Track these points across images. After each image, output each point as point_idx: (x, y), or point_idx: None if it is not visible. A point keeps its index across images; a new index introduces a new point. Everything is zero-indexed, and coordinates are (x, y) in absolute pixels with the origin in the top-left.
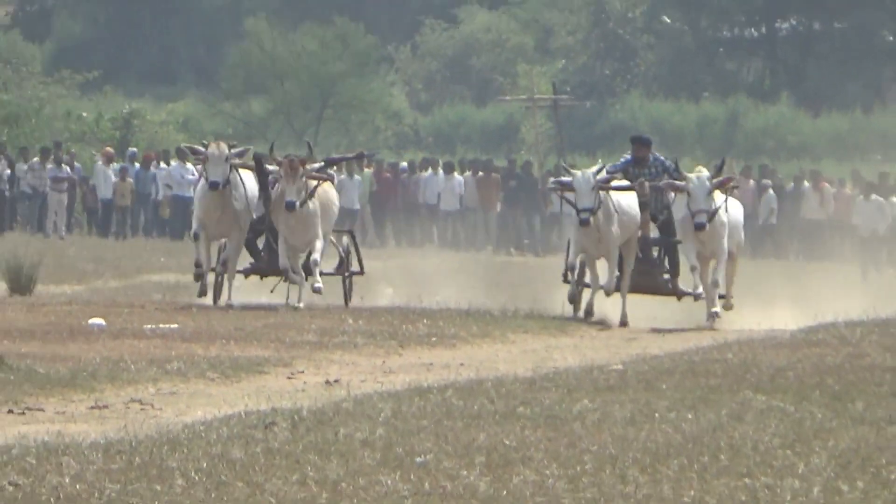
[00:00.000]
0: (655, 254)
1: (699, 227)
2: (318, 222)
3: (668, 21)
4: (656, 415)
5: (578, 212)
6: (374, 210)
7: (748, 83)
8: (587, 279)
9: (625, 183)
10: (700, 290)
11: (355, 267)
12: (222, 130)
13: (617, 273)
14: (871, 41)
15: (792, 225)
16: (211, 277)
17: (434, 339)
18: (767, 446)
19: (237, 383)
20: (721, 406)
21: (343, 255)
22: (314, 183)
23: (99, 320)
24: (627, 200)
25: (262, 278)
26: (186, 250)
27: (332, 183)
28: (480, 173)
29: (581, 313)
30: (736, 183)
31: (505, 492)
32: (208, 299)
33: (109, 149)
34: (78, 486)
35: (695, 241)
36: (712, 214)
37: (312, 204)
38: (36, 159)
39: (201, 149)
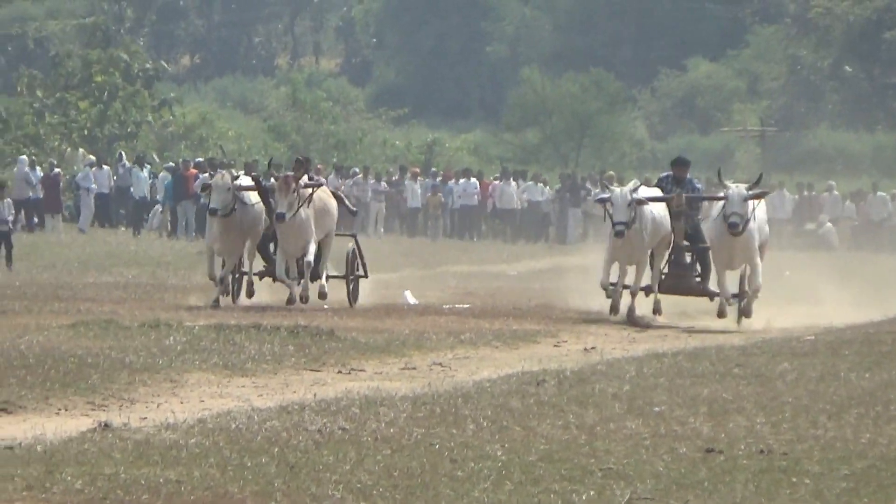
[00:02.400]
0: (688, 259)
1: (732, 227)
2: (310, 228)
3: (849, 69)
4: (840, 374)
5: (614, 224)
6: None
7: None
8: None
9: (659, 194)
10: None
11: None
12: (504, 154)
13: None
14: None
15: None
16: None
17: (669, 316)
18: None
19: (515, 350)
20: (892, 367)
21: (348, 258)
22: (308, 192)
23: (412, 297)
24: (659, 212)
25: (273, 280)
26: (477, 248)
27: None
28: None
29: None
30: (768, 191)
31: (722, 434)
32: (228, 298)
33: (416, 169)
34: (391, 430)
35: (727, 249)
36: (746, 222)
37: (304, 212)
38: (359, 176)
39: (208, 181)
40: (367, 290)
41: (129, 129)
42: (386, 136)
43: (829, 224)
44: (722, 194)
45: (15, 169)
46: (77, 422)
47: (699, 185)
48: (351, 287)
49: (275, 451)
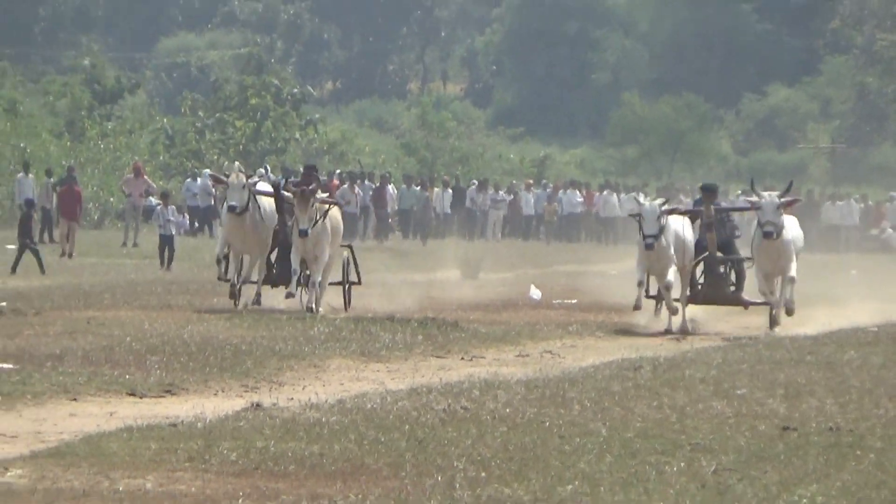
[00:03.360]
0: (722, 269)
1: (767, 236)
2: (326, 239)
3: None
4: None
5: (644, 237)
6: None
7: None
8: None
9: (691, 209)
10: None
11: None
12: (606, 168)
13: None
14: None
15: None
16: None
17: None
18: None
19: (616, 340)
20: None
21: (344, 265)
22: (325, 208)
23: (536, 292)
24: (684, 229)
25: (272, 287)
26: (583, 251)
27: (340, 207)
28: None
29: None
30: (800, 201)
31: (796, 413)
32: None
33: (530, 181)
34: (507, 410)
35: (765, 259)
36: (780, 230)
37: (322, 225)
38: (473, 187)
39: (224, 178)
40: (488, 287)
41: (278, 145)
42: (503, 151)
43: (889, 230)
44: (755, 200)
45: (199, 180)
46: (232, 402)
47: (747, 199)
48: (345, 292)
49: (405, 427)
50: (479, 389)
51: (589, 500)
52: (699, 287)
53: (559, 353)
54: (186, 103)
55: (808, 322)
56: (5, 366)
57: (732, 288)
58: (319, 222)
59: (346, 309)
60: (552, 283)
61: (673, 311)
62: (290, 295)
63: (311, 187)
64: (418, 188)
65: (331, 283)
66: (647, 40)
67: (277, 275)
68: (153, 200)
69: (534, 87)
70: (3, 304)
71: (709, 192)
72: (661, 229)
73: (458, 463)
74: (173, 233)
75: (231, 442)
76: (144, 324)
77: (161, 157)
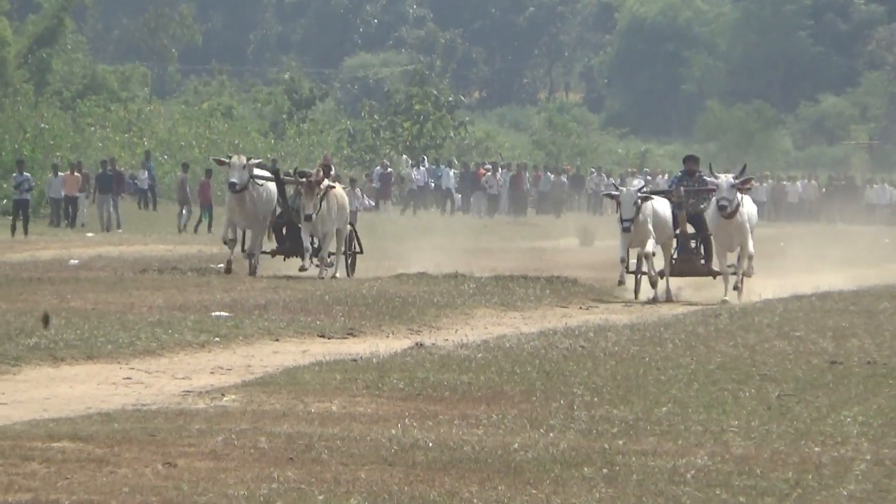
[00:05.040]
0: (693, 244)
1: (721, 209)
2: (331, 219)
3: None
4: None
5: (622, 220)
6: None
7: None
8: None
9: (662, 189)
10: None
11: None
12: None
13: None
14: None
15: None
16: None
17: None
18: None
19: (700, 292)
20: None
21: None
22: (326, 190)
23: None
24: (663, 208)
25: (284, 259)
26: None
27: (346, 187)
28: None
29: (632, 293)
30: (754, 182)
31: (842, 351)
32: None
33: (633, 169)
34: (616, 348)
35: (723, 234)
36: (735, 208)
37: (325, 207)
38: (593, 174)
39: (226, 160)
40: (601, 252)
41: (437, 142)
42: (612, 147)
43: None
44: (713, 180)
45: (389, 169)
46: (400, 342)
47: (710, 178)
48: (349, 261)
49: (535, 362)
50: (593, 332)
51: (679, 418)
52: (673, 262)
53: (658, 305)
54: (365, 109)
55: (853, 279)
56: (223, 314)
57: (703, 260)
58: (324, 205)
59: (348, 275)
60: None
61: (653, 281)
62: (302, 268)
63: (315, 178)
64: (552, 175)
65: (333, 254)
66: (725, 59)
67: (290, 246)
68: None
69: (637, 96)
70: (221, 265)
71: (692, 161)
72: (638, 211)
73: (576, 389)
74: (358, 209)
75: (399, 373)
76: (330, 281)
77: (345, 151)
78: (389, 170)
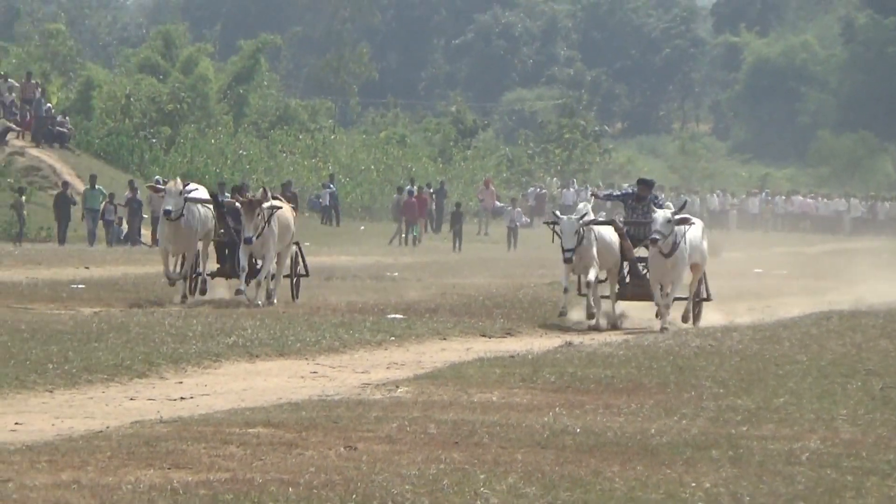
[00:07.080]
0: (644, 271)
1: (653, 242)
2: (272, 242)
3: None
4: None
5: (564, 251)
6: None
7: None
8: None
9: (602, 220)
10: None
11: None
12: (808, 182)
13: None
14: None
15: None
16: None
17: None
18: None
19: (813, 297)
20: None
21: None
22: (268, 213)
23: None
24: (609, 233)
25: (227, 279)
26: (790, 239)
27: (294, 210)
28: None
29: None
30: (692, 222)
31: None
32: (180, 297)
33: (756, 189)
34: (739, 346)
35: (655, 268)
36: (674, 246)
37: (269, 229)
38: (718, 195)
39: (161, 187)
40: (727, 262)
41: (584, 167)
42: (737, 170)
43: None
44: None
45: (543, 190)
46: (552, 341)
47: (662, 201)
48: (293, 283)
49: (670, 358)
50: (720, 332)
51: (795, 408)
52: (626, 286)
53: (774, 308)
54: (521, 137)
55: None
56: (398, 316)
57: None
58: (265, 227)
59: (293, 299)
60: (769, 261)
61: (589, 311)
62: (238, 291)
63: (254, 199)
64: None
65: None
66: (835, 94)
67: (230, 269)
68: (499, 203)
69: (759, 126)
70: (396, 273)
71: (645, 185)
72: (581, 241)
73: (705, 382)
74: (517, 225)
75: (551, 368)
76: (491, 287)
77: (504, 175)
78: (543, 191)
